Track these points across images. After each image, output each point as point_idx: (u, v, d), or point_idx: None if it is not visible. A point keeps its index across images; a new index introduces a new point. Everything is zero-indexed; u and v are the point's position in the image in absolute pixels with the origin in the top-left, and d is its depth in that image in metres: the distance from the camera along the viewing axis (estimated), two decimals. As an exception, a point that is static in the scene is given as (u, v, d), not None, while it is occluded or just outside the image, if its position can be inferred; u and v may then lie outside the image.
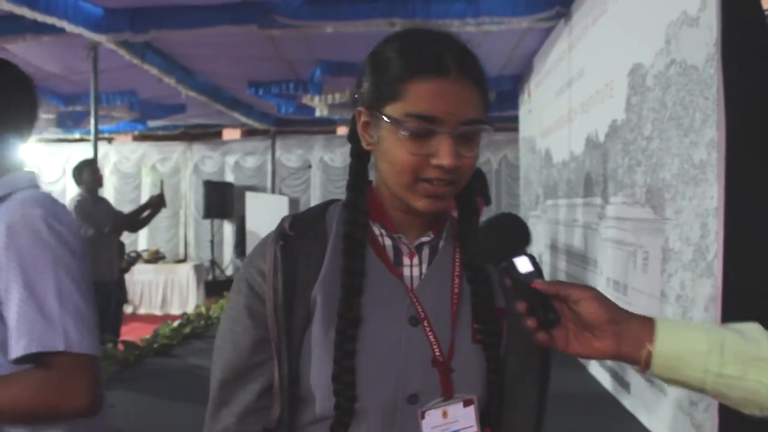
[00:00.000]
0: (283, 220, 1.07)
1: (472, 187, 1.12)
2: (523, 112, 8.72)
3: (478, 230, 1.03)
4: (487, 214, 10.55)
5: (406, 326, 1.02)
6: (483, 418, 1.06)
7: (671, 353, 0.92)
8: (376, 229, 1.07)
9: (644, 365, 0.94)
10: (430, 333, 1.02)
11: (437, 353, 1.02)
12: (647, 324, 0.94)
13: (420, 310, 1.03)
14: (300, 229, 1.06)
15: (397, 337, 1.01)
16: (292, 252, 1.03)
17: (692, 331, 0.94)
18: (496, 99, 9.02)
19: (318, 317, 1.01)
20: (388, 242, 1.07)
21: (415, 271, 1.06)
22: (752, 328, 0.95)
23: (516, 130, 9.05)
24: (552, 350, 0.99)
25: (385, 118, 0.98)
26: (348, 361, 0.98)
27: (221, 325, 1.07)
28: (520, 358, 1.08)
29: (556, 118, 6.37)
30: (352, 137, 1.08)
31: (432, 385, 1.02)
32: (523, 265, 0.96)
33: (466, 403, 1.03)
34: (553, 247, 6.64)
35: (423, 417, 1.01)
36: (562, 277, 6.18)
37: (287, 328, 1.01)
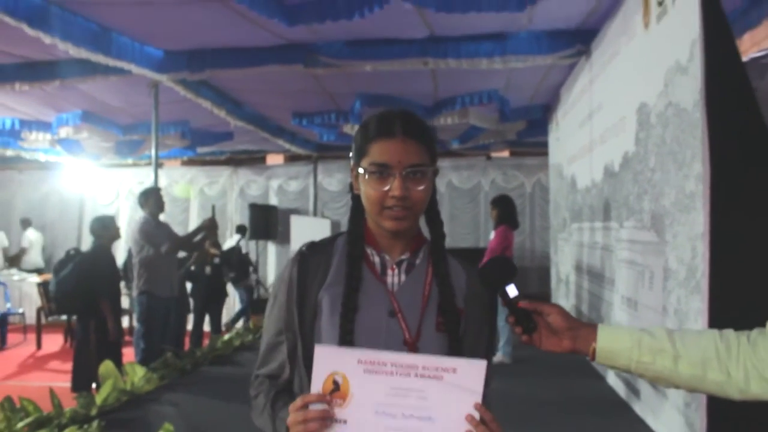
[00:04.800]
0: (303, 244, 1.56)
1: (437, 220, 1.58)
2: (552, 140, 9.12)
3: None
4: (520, 235, 10.77)
5: (386, 317, 1.45)
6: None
7: (608, 348, 1.43)
8: (368, 250, 1.51)
9: (591, 356, 1.45)
10: (402, 322, 1.45)
11: (407, 336, 1.44)
12: (592, 329, 1.45)
13: (396, 306, 1.46)
14: (313, 251, 1.54)
15: (379, 324, 1.45)
16: (305, 266, 1.51)
17: (621, 333, 1.44)
18: (528, 126, 9.45)
19: (325, 311, 1.46)
20: (376, 259, 1.51)
21: (396, 279, 1.50)
22: (658, 329, 1.44)
23: (547, 154, 9.45)
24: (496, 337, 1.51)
25: (360, 169, 1.46)
26: (349, 336, 1.41)
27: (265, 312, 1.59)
28: (473, 341, 1.54)
29: (580, 147, 6.77)
30: (351, 187, 1.55)
31: None
32: (512, 291, 1.45)
33: None
34: (578, 268, 7.01)
35: None
36: (585, 296, 6.56)
37: (299, 319, 1.47)
